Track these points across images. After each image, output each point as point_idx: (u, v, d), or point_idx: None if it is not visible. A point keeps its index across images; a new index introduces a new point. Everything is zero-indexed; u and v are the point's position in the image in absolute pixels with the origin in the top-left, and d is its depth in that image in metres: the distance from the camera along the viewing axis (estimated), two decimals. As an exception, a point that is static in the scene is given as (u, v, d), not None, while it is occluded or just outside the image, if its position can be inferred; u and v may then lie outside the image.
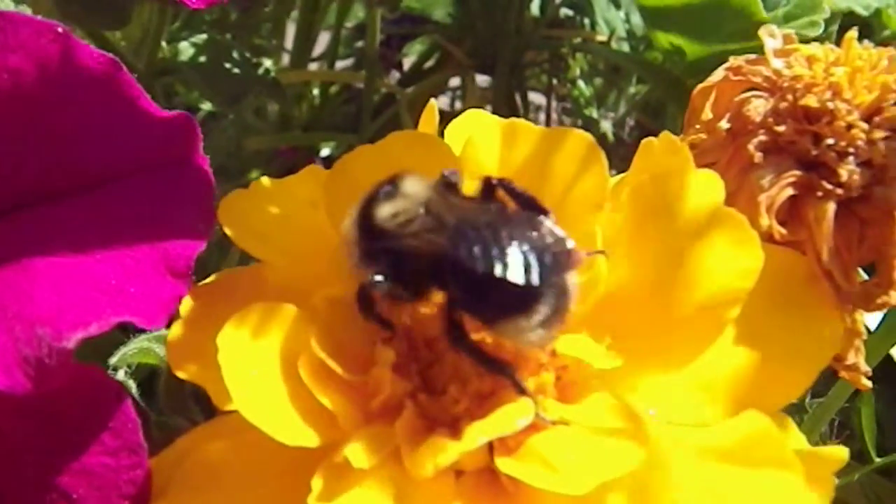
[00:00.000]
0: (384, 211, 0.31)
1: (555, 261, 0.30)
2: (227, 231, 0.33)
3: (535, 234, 0.30)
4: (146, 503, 0.31)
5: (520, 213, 0.31)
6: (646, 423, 0.28)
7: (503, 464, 0.29)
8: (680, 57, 0.64)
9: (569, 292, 0.30)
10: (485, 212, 0.31)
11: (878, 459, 0.50)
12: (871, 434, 0.50)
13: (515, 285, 0.29)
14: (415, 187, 0.31)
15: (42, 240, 0.32)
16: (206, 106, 0.75)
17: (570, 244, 0.30)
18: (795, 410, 0.40)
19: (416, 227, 0.30)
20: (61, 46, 0.33)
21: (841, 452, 0.30)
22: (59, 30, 0.33)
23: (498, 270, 0.29)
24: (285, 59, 0.87)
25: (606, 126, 0.76)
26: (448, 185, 0.32)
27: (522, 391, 0.29)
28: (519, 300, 0.29)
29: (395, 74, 0.88)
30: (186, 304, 0.33)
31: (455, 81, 0.84)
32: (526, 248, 0.29)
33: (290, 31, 0.87)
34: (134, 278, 0.32)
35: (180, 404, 0.39)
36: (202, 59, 0.61)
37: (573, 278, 0.30)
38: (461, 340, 0.30)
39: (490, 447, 0.29)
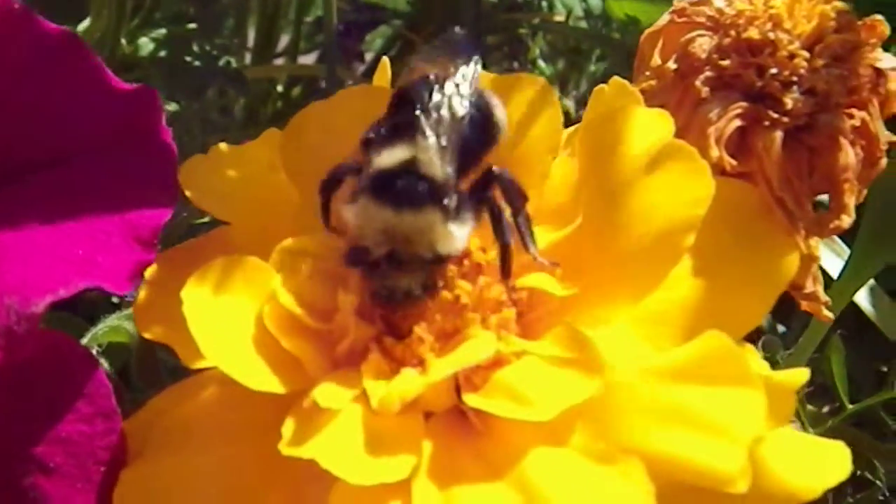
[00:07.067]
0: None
1: None
2: (188, 193, 0.33)
3: None
4: (121, 468, 0.31)
5: None
6: (601, 351, 0.29)
7: (470, 399, 0.29)
8: (636, 27, 0.65)
9: None
10: None
11: (850, 406, 0.50)
12: (843, 381, 0.51)
13: None
14: None
15: (8, 215, 0.32)
16: (171, 107, 0.75)
17: None
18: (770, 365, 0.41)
19: None
20: (17, 20, 0.33)
21: (800, 375, 0.30)
22: (16, 5, 0.33)
23: None
24: (248, 59, 0.87)
25: (569, 104, 0.77)
26: None
27: None
28: None
29: (360, 67, 0.88)
30: (151, 269, 0.33)
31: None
32: None
33: (252, 33, 0.87)
34: (101, 247, 0.32)
35: (154, 377, 0.39)
36: (162, 53, 0.61)
37: None
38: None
39: (457, 387, 0.30)
